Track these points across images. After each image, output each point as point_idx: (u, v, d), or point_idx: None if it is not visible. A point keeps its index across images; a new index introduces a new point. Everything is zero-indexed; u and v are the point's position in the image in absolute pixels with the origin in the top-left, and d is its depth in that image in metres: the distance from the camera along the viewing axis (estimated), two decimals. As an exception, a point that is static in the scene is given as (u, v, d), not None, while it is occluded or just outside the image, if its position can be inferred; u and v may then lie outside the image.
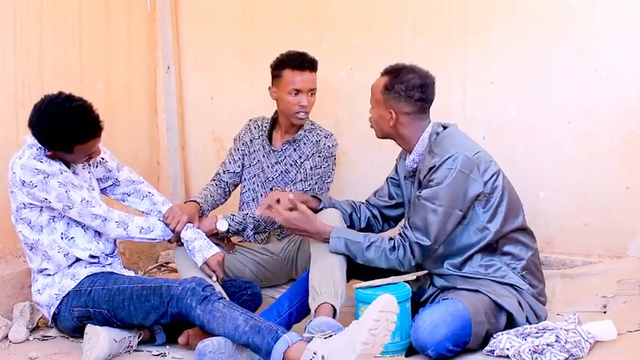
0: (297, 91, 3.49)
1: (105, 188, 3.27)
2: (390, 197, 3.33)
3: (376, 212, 3.36)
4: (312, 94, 3.54)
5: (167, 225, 3.22)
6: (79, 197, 2.98)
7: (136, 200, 3.30)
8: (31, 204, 2.98)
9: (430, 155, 2.99)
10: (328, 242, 3.04)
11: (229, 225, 3.37)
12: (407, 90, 3.02)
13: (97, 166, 3.21)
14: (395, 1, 3.98)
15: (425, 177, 2.98)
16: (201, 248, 3.19)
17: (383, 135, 3.16)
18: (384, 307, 2.47)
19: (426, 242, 2.93)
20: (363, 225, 3.33)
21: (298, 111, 3.51)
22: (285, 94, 3.51)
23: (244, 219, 3.40)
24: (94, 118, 2.95)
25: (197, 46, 4.52)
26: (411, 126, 3.07)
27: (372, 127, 3.18)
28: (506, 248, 3.00)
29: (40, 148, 2.95)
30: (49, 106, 2.90)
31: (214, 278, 3.13)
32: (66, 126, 2.87)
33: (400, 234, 3.02)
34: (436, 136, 3.04)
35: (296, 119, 3.55)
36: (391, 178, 3.34)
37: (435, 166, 2.93)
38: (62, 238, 3.05)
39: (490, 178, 2.96)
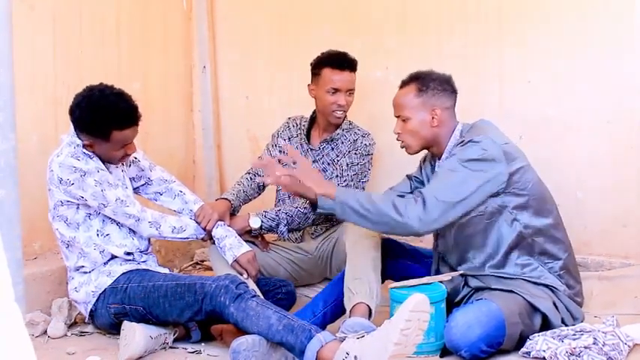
0: (336, 90, 3.49)
1: (137, 187, 3.30)
2: (412, 192, 3.24)
3: None
4: (350, 93, 3.54)
5: (199, 223, 3.24)
6: (114, 196, 3.01)
7: (168, 199, 3.32)
8: (68, 201, 3.01)
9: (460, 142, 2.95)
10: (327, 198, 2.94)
11: (262, 222, 3.37)
12: (442, 84, 3.01)
13: (129, 166, 3.24)
14: (431, 1, 3.96)
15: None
16: (231, 246, 3.20)
17: (422, 144, 3.05)
18: (415, 306, 2.45)
19: (444, 197, 2.80)
20: None
21: (335, 110, 3.52)
22: (324, 93, 3.51)
23: (277, 215, 3.40)
24: (133, 106, 3.00)
25: (233, 46, 4.54)
26: (449, 123, 3.02)
27: (402, 146, 3.08)
28: (544, 246, 2.95)
29: (78, 145, 2.99)
30: (89, 91, 2.98)
31: (245, 276, 3.14)
32: (105, 108, 2.92)
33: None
34: (470, 128, 3.01)
35: (333, 118, 3.55)
36: (415, 176, 3.25)
37: (462, 141, 2.90)
38: (98, 235, 3.08)
39: (518, 170, 2.89)
